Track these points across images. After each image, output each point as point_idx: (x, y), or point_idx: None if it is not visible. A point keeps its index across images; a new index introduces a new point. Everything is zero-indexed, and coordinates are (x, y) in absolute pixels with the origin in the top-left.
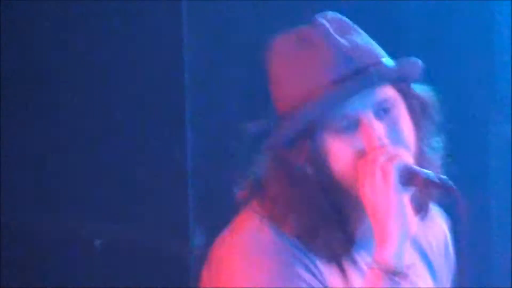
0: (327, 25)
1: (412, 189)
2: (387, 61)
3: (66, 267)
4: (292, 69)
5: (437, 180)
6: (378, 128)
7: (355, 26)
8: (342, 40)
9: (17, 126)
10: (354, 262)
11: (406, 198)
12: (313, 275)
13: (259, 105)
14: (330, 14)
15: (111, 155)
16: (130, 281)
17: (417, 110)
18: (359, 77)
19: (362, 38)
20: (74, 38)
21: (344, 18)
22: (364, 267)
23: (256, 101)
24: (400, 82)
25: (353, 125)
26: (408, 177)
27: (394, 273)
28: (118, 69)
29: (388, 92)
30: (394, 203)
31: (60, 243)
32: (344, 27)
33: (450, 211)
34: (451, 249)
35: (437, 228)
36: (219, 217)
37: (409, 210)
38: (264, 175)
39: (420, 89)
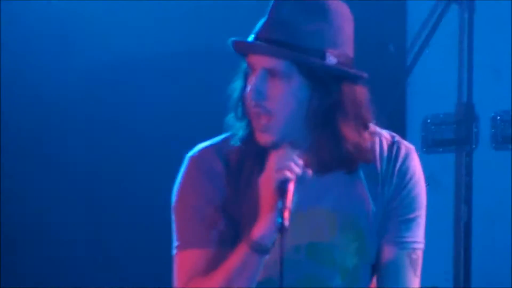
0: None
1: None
2: (287, 42)
3: None
4: None
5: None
6: (257, 80)
7: (315, 9)
8: (279, 13)
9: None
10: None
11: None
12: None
13: None
14: None
15: None
16: None
17: (311, 87)
18: (257, 39)
19: (304, 21)
20: None
21: (309, 2)
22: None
23: None
24: (304, 60)
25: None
26: (280, 190)
27: (257, 247)
28: None
29: (272, 63)
30: (267, 208)
31: None
32: (297, 5)
33: None
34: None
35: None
36: None
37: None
38: None
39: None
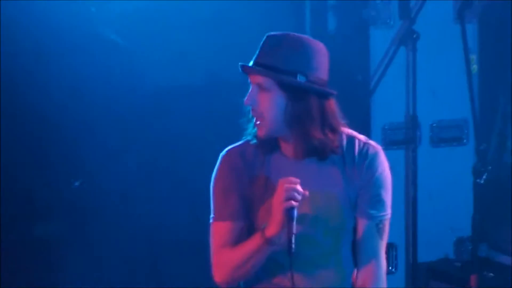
0: (276, 35)
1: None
2: (270, 65)
3: None
4: None
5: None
6: (251, 91)
7: (298, 46)
8: (268, 46)
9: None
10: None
11: (285, 214)
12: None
13: None
14: (282, 33)
15: None
16: None
17: (286, 97)
18: (252, 64)
19: (283, 51)
20: None
21: (290, 38)
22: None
23: None
24: (276, 77)
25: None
26: (288, 216)
27: (269, 243)
28: None
29: (260, 80)
30: (277, 218)
31: None
32: (282, 41)
33: None
34: None
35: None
36: None
37: (285, 221)
38: None
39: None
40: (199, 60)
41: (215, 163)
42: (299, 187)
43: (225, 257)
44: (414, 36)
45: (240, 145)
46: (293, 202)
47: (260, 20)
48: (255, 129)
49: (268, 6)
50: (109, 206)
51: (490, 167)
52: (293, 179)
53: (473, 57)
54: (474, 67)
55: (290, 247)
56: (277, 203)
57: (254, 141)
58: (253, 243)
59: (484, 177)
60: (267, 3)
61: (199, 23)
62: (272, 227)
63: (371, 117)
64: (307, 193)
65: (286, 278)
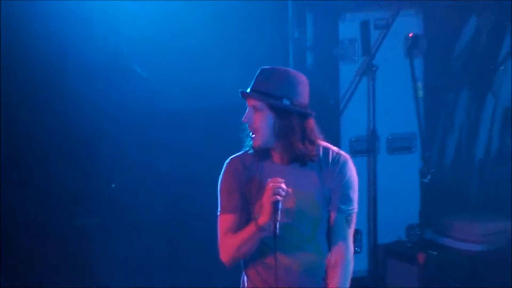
0: (267, 69)
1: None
2: (264, 92)
3: None
4: None
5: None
6: (248, 112)
7: (289, 75)
8: (260, 77)
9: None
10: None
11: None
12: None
13: None
14: (272, 67)
15: None
16: None
17: (279, 121)
18: (248, 90)
19: (272, 81)
20: None
21: (277, 70)
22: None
23: None
24: (267, 100)
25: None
26: (274, 208)
27: (261, 229)
28: None
29: (254, 103)
30: (267, 210)
31: None
32: (276, 72)
33: None
34: None
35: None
36: None
37: (274, 211)
38: None
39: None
40: (207, 87)
41: (221, 170)
42: (283, 185)
43: (228, 241)
44: (374, 68)
45: (240, 154)
46: (278, 197)
47: (254, 57)
48: (251, 141)
49: (261, 46)
50: (136, 205)
51: (433, 170)
52: (279, 179)
53: (420, 84)
54: (420, 92)
55: (275, 231)
56: (266, 198)
57: (251, 151)
58: (249, 230)
59: (428, 177)
60: (261, 45)
61: (206, 59)
62: (263, 217)
63: (340, 131)
64: (290, 190)
65: (274, 258)
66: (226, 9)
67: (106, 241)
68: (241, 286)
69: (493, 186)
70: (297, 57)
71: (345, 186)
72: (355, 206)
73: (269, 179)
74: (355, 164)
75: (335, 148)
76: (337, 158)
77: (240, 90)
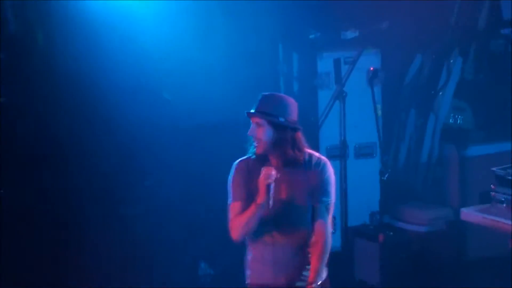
0: (267, 95)
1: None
2: (266, 112)
3: None
4: None
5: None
6: (252, 127)
7: (283, 99)
8: (262, 100)
9: None
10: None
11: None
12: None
13: None
14: (270, 93)
15: None
16: None
17: (277, 133)
18: (253, 111)
19: (271, 103)
20: None
21: (274, 95)
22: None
23: None
24: (267, 118)
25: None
26: (267, 189)
27: (259, 207)
28: None
29: (257, 120)
30: (262, 190)
31: None
32: (274, 97)
33: None
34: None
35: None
36: None
37: (267, 193)
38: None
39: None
40: (216, 108)
41: (228, 170)
42: (273, 172)
43: (237, 221)
44: (344, 94)
45: (245, 158)
46: (270, 180)
47: (254, 85)
48: (254, 149)
49: (260, 77)
50: (165, 200)
51: (389, 170)
52: (270, 168)
53: (378, 106)
54: (379, 112)
55: (268, 206)
56: (261, 181)
57: (253, 156)
58: (251, 209)
59: (386, 176)
60: (260, 76)
61: (217, 86)
62: (260, 197)
63: (319, 141)
64: (278, 175)
65: (271, 236)
66: (235, 48)
67: (140, 225)
68: (245, 261)
69: (434, 183)
70: (286, 85)
71: (324, 183)
72: (332, 198)
73: (262, 168)
74: (331, 166)
75: (317, 154)
76: (318, 161)
77: (246, 111)
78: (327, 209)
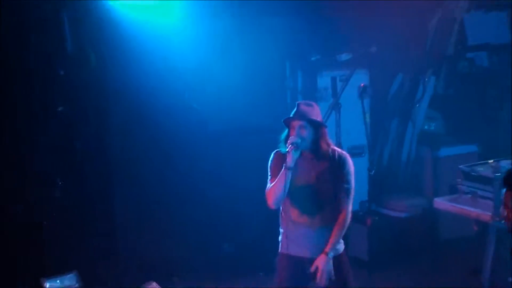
0: (301, 103)
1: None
2: (307, 117)
3: None
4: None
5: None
6: (297, 129)
7: (313, 105)
8: (300, 108)
9: None
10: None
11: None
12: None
13: None
14: (303, 101)
15: None
16: None
17: (315, 132)
18: (296, 116)
19: (310, 110)
20: None
21: (307, 102)
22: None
23: None
24: (308, 122)
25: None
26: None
27: (287, 167)
28: None
29: (301, 123)
30: (289, 154)
31: None
32: (307, 104)
33: None
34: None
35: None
36: None
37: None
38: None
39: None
40: (238, 117)
41: (250, 166)
42: (296, 139)
43: (271, 189)
44: (339, 106)
45: (279, 150)
46: (293, 146)
47: (268, 97)
48: (286, 147)
49: (273, 91)
50: (193, 192)
51: (375, 167)
52: (294, 136)
53: (367, 115)
54: (368, 120)
55: (291, 167)
56: (289, 145)
57: (284, 151)
58: (282, 173)
59: (373, 171)
60: (272, 90)
61: (238, 98)
62: (288, 161)
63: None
64: (299, 140)
65: (299, 216)
66: (251, 66)
67: (172, 213)
68: (279, 238)
69: (412, 177)
70: (292, 98)
71: (346, 173)
72: (352, 185)
73: (290, 136)
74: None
75: (339, 150)
76: (340, 155)
77: (290, 116)
78: (348, 195)
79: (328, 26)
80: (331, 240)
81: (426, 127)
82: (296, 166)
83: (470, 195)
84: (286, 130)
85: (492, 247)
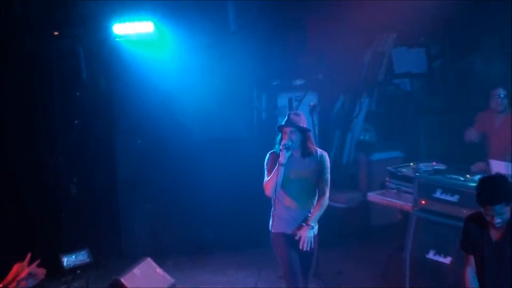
0: (291, 113)
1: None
2: (296, 124)
3: None
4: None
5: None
6: (288, 134)
7: (300, 115)
8: (290, 116)
9: None
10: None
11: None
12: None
13: None
14: (295, 111)
15: None
16: None
17: (302, 136)
18: (287, 124)
19: (298, 118)
20: None
21: (296, 112)
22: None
23: None
24: (296, 128)
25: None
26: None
27: (280, 164)
28: None
29: (291, 129)
30: (282, 153)
31: None
32: (296, 114)
33: None
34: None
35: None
36: None
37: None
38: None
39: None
40: (216, 129)
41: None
42: (287, 141)
43: (267, 182)
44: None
45: (274, 151)
46: (285, 147)
47: (239, 113)
48: (279, 147)
49: (243, 109)
50: (182, 184)
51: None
52: (286, 139)
53: (316, 128)
54: (317, 132)
55: (283, 162)
56: (281, 145)
57: (278, 151)
58: (276, 168)
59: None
60: (243, 109)
61: (215, 114)
62: (281, 159)
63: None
64: (290, 142)
65: (289, 201)
66: (228, 90)
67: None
68: (270, 217)
69: (350, 176)
70: (258, 115)
71: (325, 167)
72: (329, 177)
73: (283, 139)
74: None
75: (320, 149)
76: (322, 154)
77: (282, 124)
78: (327, 184)
79: (285, 58)
80: (313, 216)
81: (362, 137)
82: (287, 162)
83: (395, 190)
84: (280, 135)
85: (412, 230)
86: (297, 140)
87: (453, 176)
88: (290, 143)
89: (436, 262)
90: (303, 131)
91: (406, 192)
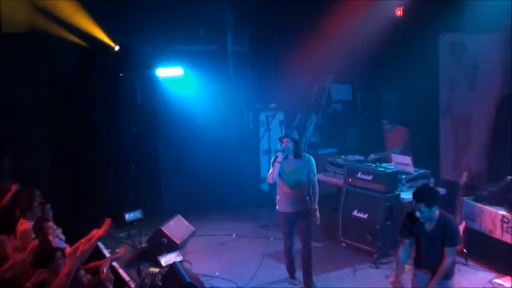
0: (287, 130)
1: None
2: (290, 136)
3: None
4: None
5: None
6: (285, 143)
7: (294, 131)
8: (287, 132)
9: None
10: None
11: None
12: None
13: None
14: (290, 129)
15: None
16: None
17: (294, 144)
18: (284, 136)
19: (292, 132)
20: None
21: (290, 129)
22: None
23: None
24: (291, 139)
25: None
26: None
27: (278, 160)
28: None
29: (288, 140)
30: (279, 155)
31: None
32: (290, 130)
33: None
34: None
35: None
36: None
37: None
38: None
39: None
40: (218, 132)
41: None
42: (284, 147)
43: (271, 173)
44: (269, 129)
45: (276, 154)
46: (282, 151)
47: (232, 125)
48: (281, 149)
49: (236, 124)
50: (193, 170)
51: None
52: (283, 146)
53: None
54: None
55: (280, 160)
56: (279, 153)
57: (278, 153)
58: (276, 164)
59: None
60: (235, 124)
61: (212, 125)
62: (278, 158)
63: (260, 148)
64: (285, 148)
65: (288, 190)
66: (225, 110)
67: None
68: (276, 200)
69: None
70: (247, 126)
71: (312, 167)
72: (316, 173)
73: (281, 145)
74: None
75: (308, 154)
76: (309, 157)
77: (281, 136)
78: (315, 180)
79: (265, 90)
80: (315, 201)
81: (312, 139)
82: (284, 161)
83: (333, 173)
84: (280, 143)
85: (343, 198)
86: (291, 147)
87: (368, 164)
88: (286, 148)
89: (358, 218)
90: (295, 141)
91: (339, 174)
